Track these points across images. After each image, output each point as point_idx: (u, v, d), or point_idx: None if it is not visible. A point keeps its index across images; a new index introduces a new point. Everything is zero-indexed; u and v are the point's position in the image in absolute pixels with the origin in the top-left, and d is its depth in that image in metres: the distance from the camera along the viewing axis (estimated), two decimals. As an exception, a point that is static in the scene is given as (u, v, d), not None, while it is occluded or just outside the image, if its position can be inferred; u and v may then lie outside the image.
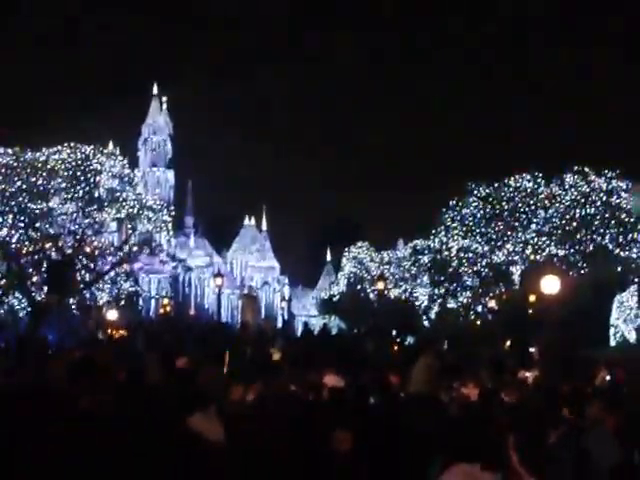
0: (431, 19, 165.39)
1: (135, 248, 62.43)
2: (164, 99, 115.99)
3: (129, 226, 62.12)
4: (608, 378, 24.28)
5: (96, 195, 59.86)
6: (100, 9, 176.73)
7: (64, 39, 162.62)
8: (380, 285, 63.75)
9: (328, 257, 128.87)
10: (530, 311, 53.24)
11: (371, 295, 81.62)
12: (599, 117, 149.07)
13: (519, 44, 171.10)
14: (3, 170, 58.26)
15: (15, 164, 58.58)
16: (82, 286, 61.23)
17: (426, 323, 72.16)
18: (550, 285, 36.77)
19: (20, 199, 58.03)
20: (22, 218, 57.91)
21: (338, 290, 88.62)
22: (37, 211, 58.21)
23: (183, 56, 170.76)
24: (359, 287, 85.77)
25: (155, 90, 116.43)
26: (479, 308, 66.96)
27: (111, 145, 69.49)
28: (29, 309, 59.16)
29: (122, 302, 65.27)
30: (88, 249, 60.03)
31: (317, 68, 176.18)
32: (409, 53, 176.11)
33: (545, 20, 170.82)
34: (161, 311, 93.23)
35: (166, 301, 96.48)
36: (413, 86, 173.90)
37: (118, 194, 60.28)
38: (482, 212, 66.84)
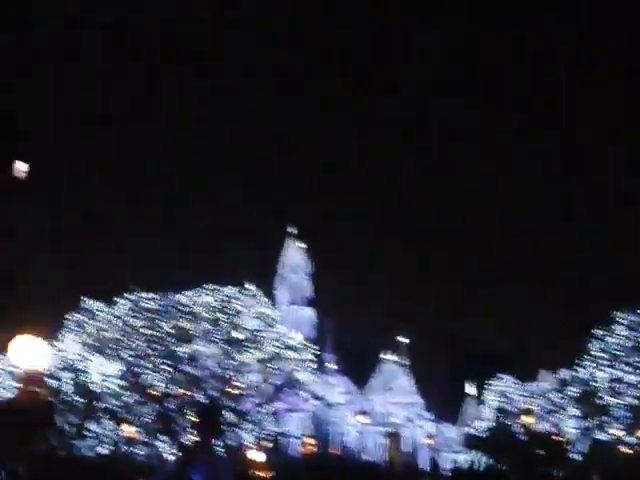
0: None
1: (278, 388, 62.63)
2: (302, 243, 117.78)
3: (271, 366, 62.48)
4: None
5: (238, 336, 60.67)
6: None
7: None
8: (527, 419, 62.18)
9: (470, 390, 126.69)
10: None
11: (517, 428, 79.56)
12: None
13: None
14: (149, 314, 59.79)
15: (160, 308, 60.08)
16: (227, 427, 61.49)
17: (575, 456, 69.68)
18: None
19: (165, 342, 59.27)
20: (168, 361, 59.01)
21: (482, 424, 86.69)
22: (182, 354, 59.26)
23: (317, 199, 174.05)
24: (504, 420, 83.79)
25: (292, 229, 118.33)
26: (632, 440, 64.42)
27: (250, 285, 70.48)
28: (176, 452, 59.64)
29: (266, 442, 65.16)
30: (232, 390, 60.52)
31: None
32: None
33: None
34: (305, 450, 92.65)
35: (309, 440, 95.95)
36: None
37: (260, 334, 60.97)
38: (629, 341, 64.98)
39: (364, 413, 59.74)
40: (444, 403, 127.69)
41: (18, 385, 54.75)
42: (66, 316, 64.13)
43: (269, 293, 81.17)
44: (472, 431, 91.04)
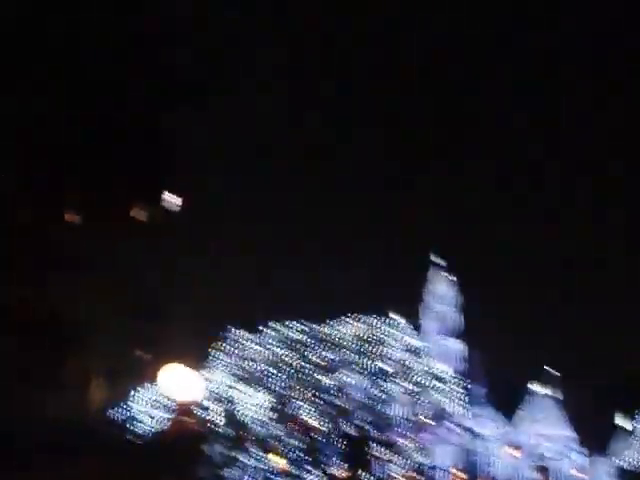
0: None
1: (426, 419, 61.82)
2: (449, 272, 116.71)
3: (419, 397, 61.76)
4: None
5: (384, 367, 60.20)
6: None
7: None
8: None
9: (619, 422, 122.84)
10: None
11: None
12: None
13: None
14: (295, 344, 59.93)
15: (306, 338, 60.15)
16: (374, 459, 60.98)
17: None
18: None
19: (311, 373, 59.22)
20: (314, 392, 58.92)
21: (632, 457, 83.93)
22: (328, 384, 59.08)
23: (465, 229, 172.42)
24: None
25: (438, 259, 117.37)
26: None
27: (396, 316, 69.87)
28: (323, 483, 59.46)
29: (414, 474, 64.35)
30: (379, 421, 60.01)
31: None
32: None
33: None
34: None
35: (458, 473, 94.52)
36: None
37: (407, 365, 60.36)
38: None
39: (513, 445, 58.33)
40: (594, 435, 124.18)
41: (169, 416, 55.63)
42: (213, 346, 64.80)
43: (414, 323, 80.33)
44: (623, 464, 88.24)
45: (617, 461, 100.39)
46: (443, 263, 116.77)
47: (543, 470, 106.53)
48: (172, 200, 18.85)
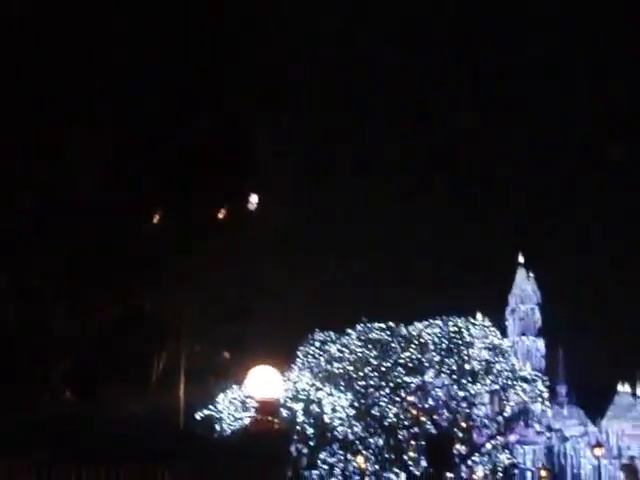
0: None
1: (510, 419, 61.44)
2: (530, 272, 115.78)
3: (503, 397, 61.38)
4: None
5: (468, 367, 59.97)
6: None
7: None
8: None
9: None
10: None
11: None
12: None
13: None
14: (379, 345, 60.03)
15: (390, 339, 60.22)
16: (458, 459, 60.72)
17: None
18: None
19: (395, 373, 59.26)
20: (398, 392, 58.95)
21: None
22: (412, 385, 59.07)
23: (548, 228, 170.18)
24: None
25: (521, 259, 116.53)
26: None
27: (480, 316, 69.48)
28: (408, 483, 59.48)
29: (499, 474, 63.97)
30: (463, 422, 59.79)
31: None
32: None
33: None
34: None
35: (543, 473, 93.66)
36: None
37: (491, 365, 60.07)
38: None
39: (599, 446, 57.54)
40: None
41: (252, 415, 56.02)
42: (298, 347, 65.24)
43: (500, 324, 79.84)
44: None
45: None
46: (527, 262, 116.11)
47: (631, 470, 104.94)
48: (255, 201, 19.08)
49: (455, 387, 59.54)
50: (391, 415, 59.05)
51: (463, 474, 63.13)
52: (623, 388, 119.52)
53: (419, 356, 59.70)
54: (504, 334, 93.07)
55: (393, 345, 60.27)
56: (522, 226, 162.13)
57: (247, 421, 55.33)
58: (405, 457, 60.11)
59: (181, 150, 17.14)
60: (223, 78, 17.49)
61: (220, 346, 24.39)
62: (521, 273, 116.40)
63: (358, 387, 60.95)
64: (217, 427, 54.93)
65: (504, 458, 65.06)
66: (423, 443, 58.53)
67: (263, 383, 13.74)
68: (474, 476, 64.03)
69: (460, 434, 60.32)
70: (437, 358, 59.88)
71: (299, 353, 64.90)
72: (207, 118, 17.54)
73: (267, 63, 18.16)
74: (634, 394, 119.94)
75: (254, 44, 17.92)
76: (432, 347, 60.12)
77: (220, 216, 18.64)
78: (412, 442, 60.10)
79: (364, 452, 60.22)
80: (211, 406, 54.49)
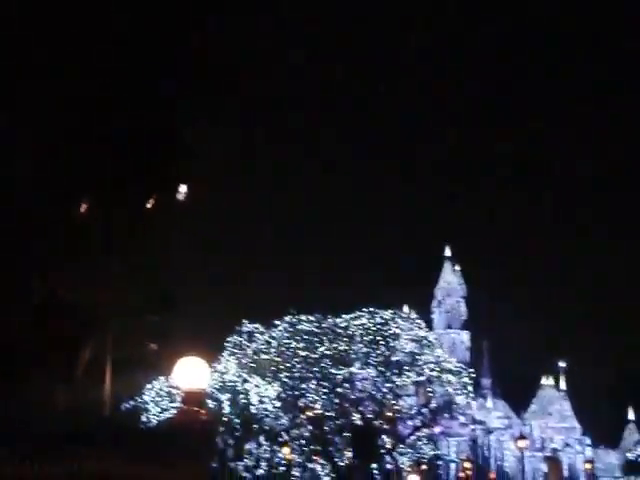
0: None
1: (435, 411, 62.02)
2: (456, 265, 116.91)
3: (428, 389, 61.94)
4: None
5: (394, 359, 60.41)
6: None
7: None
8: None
9: (630, 415, 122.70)
10: None
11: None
12: None
13: None
14: (307, 337, 60.17)
15: (318, 331, 60.38)
16: (383, 450, 61.18)
17: None
18: None
19: (322, 365, 59.46)
20: (325, 384, 59.15)
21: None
22: (339, 377, 59.31)
23: (474, 219, 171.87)
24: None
25: (448, 252, 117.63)
26: None
27: (406, 308, 70.02)
28: (332, 474, 59.66)
29: (423, 466, 64.59)
30: (389, 413, 60.20)
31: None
32: None
33: None
34: (461, 475, 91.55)
35: (466, 464, 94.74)
36: None
37: (416, 357, 60.58)
38: None
39: (522, 438, 58.40)
40: (604, 428, 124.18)
41: (178, 405, 55.80)
42: (226, 338, 65.03)
43: (426, 316, 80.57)
44: (633, 457, 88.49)
45: (626, 454, 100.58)
46: (453, 257, 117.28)
47: (551, 462, 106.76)
48: (186, 193, 18.93)
49: (381, 379, 59.89)
50: (318, 406, 59.21)
51: (388, 465, 63.59)
52: (547, 381, 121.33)
53: (346, 348, 59.94)
54: (430, 327, 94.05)
55: (320, 337, 60.42)
56: (448, 219, 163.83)
57: (173, 412, 55.17)
58: (331, 448, 60.33)
59: (116, 140, 16.99)
60: (156, 64, 17.31)
61: (147, 337, 24.24)
62: (447, 266, 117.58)
63: (285, 378, 61.01)
64: (143, 418, 54.59)
65: (428, 450, 65.70)
66: (349, 434, 58.92)
67: (190, 373, 13.72)
68: (399, 467, 64.50)
69: (385, 426, 60.72)
70: (364, 350, 60.18)
71: (227, 344, 64.71)
72: (138, 105, 17.36)
73: (201, 47, 17.92)
74: (557, 387, 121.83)
75: (188, 28, 17.74)
76: (359, 339, 60.40)
77: (148, 205, 18.49)
78: (338, 433, 60.31)
79: (290, 443, 60.34)
80: (137, 397, 54.14)
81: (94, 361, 20.76)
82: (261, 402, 59.46)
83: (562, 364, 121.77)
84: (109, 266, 19.07)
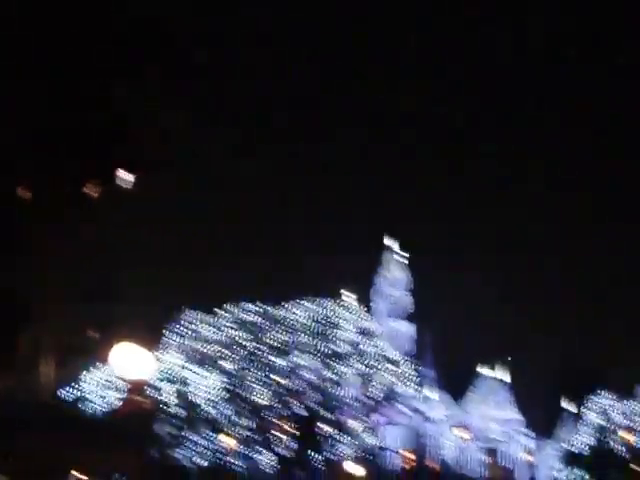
0: None
1: (377, 401, 62.40)
2: (402, 254, 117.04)
3: (371, 379, 62.27)
4: None
5: (336, 349, 60.64)
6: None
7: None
8: (628, 436, 60.96)
9: (566, 406, 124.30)
10: None
11: (616, 445, 78.12)
12: None
13: None
14: (249, 326, 60.20)
15: (260, 320, 60.43)
16: (325, 440, 61.41)
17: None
18: None
19: (265, 354, 59.54)
20: (267, 373, 59.23)
21: (580, 441, 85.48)
22: (281, 366, 59.43)
23: (413, 202, 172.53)
24: (603, 438, 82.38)
25: (388, 241, 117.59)
26: None
27: (348, 298, 70.09)
28: (274, 463, 59.77)
29: (365, 455, 64.90)
30: (330, 403, 60.46)
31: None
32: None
33: None
34: (403, 464, 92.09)
35: (408, 453, 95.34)
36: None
37: (359, 347, 60.86)
38: None
39: (463, 428, 59.05)
40: (542, 419, 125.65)
41: (120, 395, 55.65)
42: (167, 327, 64.67)
43: (365, 305, 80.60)
44: (571, 448, 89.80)
45: (563, 444, 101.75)
46: (395, 245, 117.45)
47: (491, 452, 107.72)
48: (126, 178, 18.65)
49: (323, 368, 60.10)
50: (259, 396, 59.27)
51: (327, 454, 63.79)
52: (486, 372, 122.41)
53: (288, 338, 60.08)
54: (372, 316, 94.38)
55: (263, 326, 60.47)
56: (393, 208, 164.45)
57: (112, 399, 54.93)
58: (272, 437, 60.42)
59: (49, 125, 16.75)
60: (101, 42, 16.99)
61: (86, 325, 24.17)
62: (391, 256, 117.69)
63: (226, 368, 60.97)
64: (82, 405, 54.25)
65: (370, 439, 66.00)
66: (291, 424, 59.07)
67: (130, 363, 13.72)
68: (340, 456, 64.72)
69: (327, 415, 60.95)
70: (306, 340, 60.32)
71: (168, 332, 64.42)
72: (85, 87, 17.03)
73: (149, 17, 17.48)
74: (495, 377, 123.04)
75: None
76: (301, 329, 60.54)
77: (90, 193, 18.25)
78: (280, 423, 60.43)
79: (231, 432, 60.34)
80: (77, 384, 53.78)
81: (33, 347, 20.62)
82: (202, 391, 59.41)
83: (503, 355, 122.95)
84: (46, 251, 18.82)
